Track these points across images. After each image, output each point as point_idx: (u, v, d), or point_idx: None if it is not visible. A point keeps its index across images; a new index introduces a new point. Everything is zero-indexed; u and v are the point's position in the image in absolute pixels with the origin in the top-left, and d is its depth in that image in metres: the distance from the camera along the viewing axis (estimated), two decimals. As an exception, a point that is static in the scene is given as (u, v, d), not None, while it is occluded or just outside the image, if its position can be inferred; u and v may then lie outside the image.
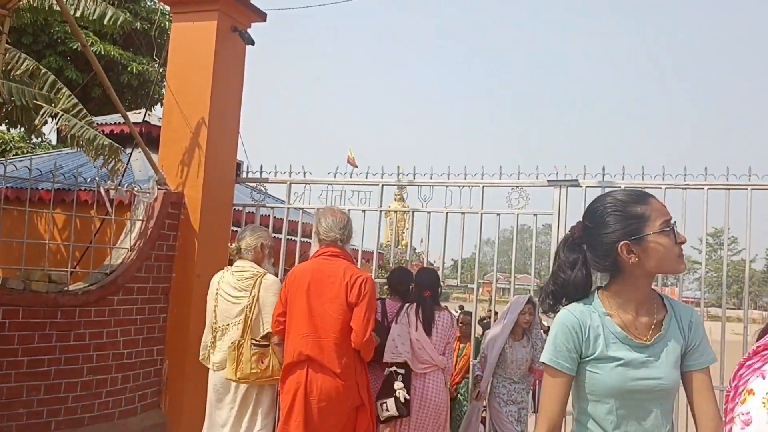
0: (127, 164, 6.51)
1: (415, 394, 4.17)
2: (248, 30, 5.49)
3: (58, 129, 6.77)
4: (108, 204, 4.93)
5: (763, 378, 1.15)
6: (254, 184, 5.65)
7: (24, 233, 4.54)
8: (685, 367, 1.83)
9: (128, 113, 5.88)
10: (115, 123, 8.50)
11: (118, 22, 6.14)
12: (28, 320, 4.08)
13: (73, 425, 4.32)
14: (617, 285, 1.85)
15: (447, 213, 4.96)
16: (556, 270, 1.91)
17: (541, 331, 5.10)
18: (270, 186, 5.67)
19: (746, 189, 4.29)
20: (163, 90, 5.90)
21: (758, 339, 1.27)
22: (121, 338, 4.67)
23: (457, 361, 5.85)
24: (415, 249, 8.55)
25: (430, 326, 4.25)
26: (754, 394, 1.15)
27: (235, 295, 3.95)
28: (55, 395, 4.23)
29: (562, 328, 1.83)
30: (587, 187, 4.65)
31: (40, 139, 15.93)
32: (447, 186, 5.00)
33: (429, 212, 5.03)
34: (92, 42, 13.68)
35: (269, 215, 5.47)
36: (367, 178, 5.23)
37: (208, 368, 4.08)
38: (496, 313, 5.67)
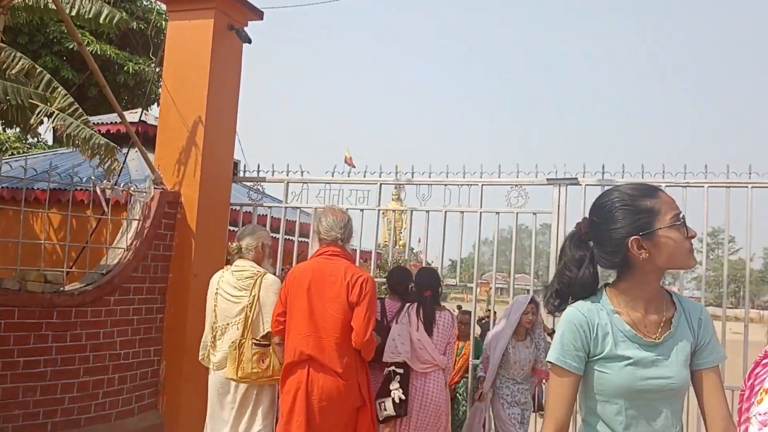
0: (124, 164, 6.45)
1: (415, 394, 4.15)
2: (245, 28, 5.47)
3: (54, 128, 6.73)
4: (104, 204, 4.90)
5: None
6: (251, 184, 5.62)
7: (20, 233, 4.50)
8: (695, 365, 1.78)
9: (125, 113, 5.83)
10: (111, 122, 8.47)
11: (114, 21, 6.08)
12: (24, 321, 4.05)
13: (70, 426, 4.29)
14: (626, 282, 1.79)
15: (446, 212, 4.93)
16: (562, 268, 1.84)
17: (545, 333, 5.05)
18: (267, 185, 5.65)
19: (746, 187, 4.30)
20: (160, 89, 5.86)
21: None
22: (118, 338, 4.65)
23: (456, 360, 5.81)
24: (413, 249, 8.50)
25: (431, 326, 4.23)
26: None
27: (235, 294, 3.93)
28: (52, 396, 4.20)
29: (569, 326, 1.77)
30: (587, 185, 4.65)
31: (36, 139, 15.89)
32: (445, 185, 4.98)
33: (427, 211, 5.01)
34: (88, 42, 13.63)
35: (266, 215, 5.44)
36: (365, 177, 5.21)
37: (207, 368, 4.05)
38: (495, 313, 5.64)
